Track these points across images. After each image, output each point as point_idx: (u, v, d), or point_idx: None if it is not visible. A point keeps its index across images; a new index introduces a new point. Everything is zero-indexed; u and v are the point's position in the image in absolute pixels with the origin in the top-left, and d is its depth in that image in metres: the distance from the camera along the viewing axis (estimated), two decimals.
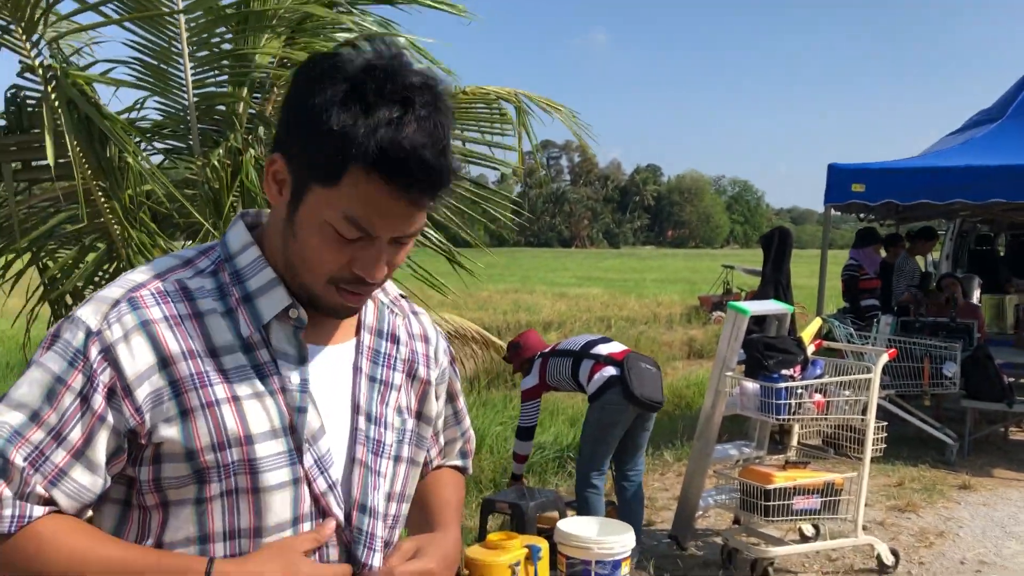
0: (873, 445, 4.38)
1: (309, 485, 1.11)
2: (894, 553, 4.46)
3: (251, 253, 1.14)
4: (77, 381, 1.03)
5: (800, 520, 4.41)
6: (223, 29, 3.63)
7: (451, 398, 1.40)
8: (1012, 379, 6.96)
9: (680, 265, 48.43)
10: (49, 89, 3.23)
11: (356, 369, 1.19)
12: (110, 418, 1.04)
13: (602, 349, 4.51)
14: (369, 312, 1.25)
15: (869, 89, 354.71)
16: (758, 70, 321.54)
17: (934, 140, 9.49)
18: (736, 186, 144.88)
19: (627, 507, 4.50)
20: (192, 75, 3.63)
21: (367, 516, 1.15)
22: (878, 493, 5.73)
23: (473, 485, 6.83)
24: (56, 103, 3.20)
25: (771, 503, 4.19)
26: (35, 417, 1.03)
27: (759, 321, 4.87)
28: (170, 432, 1.04)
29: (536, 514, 3.92)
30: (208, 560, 1.05)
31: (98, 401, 1.03)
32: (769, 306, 4.86)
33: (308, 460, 1.11)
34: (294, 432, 1.10)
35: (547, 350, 4.72)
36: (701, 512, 4.88)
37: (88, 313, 1.06)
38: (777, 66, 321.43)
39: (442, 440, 1.43)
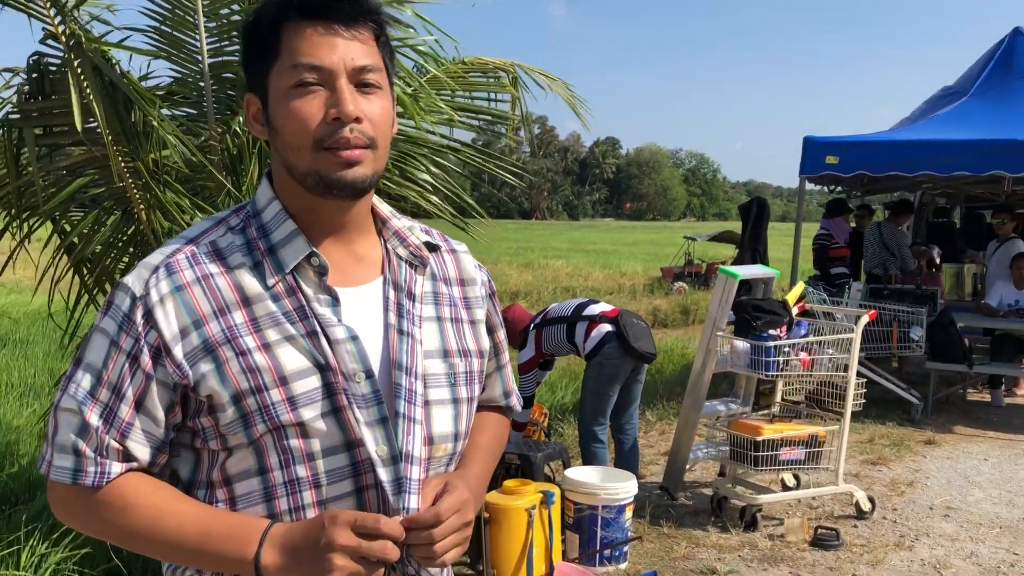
0: (853, 400, 4.69)
1: (352, 412, 1.18)
2: (871, 500, 4.79)
3: (274, 207, 1.23)
4: (126, 343, 1.15)
5: (785, 470, 4.71)
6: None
7: (489, 331, 1.42)
8: (970, 343, 7.39)
9: (640, 237, 48.91)
10: (72, 56, 3.31)
11: (387, 325, 1.25)
12: (159, 374, 1.15)
13: (594, 309, 4.73)
14: (389, 266, 1.29)
15: (825, 69, 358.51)
16: (716, 46, 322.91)
17: (887, 117, 9.83)
18: (693, 159, 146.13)
19: (624, 458, 4.76)
20: (207, 44, 3.74)
21: (402, 462, 1.20)
22: (850, 448, 6.06)
23: None
24: (80, 69, 3.28)
25: (760, 453, 4.48)
26: (99, 378, 1.15)
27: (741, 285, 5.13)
28: (212, 384, 1.15)
29: (544, 464, 4.15)
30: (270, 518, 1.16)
31: (145, 360, 1.14)
32: (757, 270, 5.12)
33: (349, 390, 1.18)
34: (328, 369, 1.17)
35: (539, 320, 4.90)
36: (691, 465, 5.16)
37: (133, 279, 1.17)
38: (735, 42, 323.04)
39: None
